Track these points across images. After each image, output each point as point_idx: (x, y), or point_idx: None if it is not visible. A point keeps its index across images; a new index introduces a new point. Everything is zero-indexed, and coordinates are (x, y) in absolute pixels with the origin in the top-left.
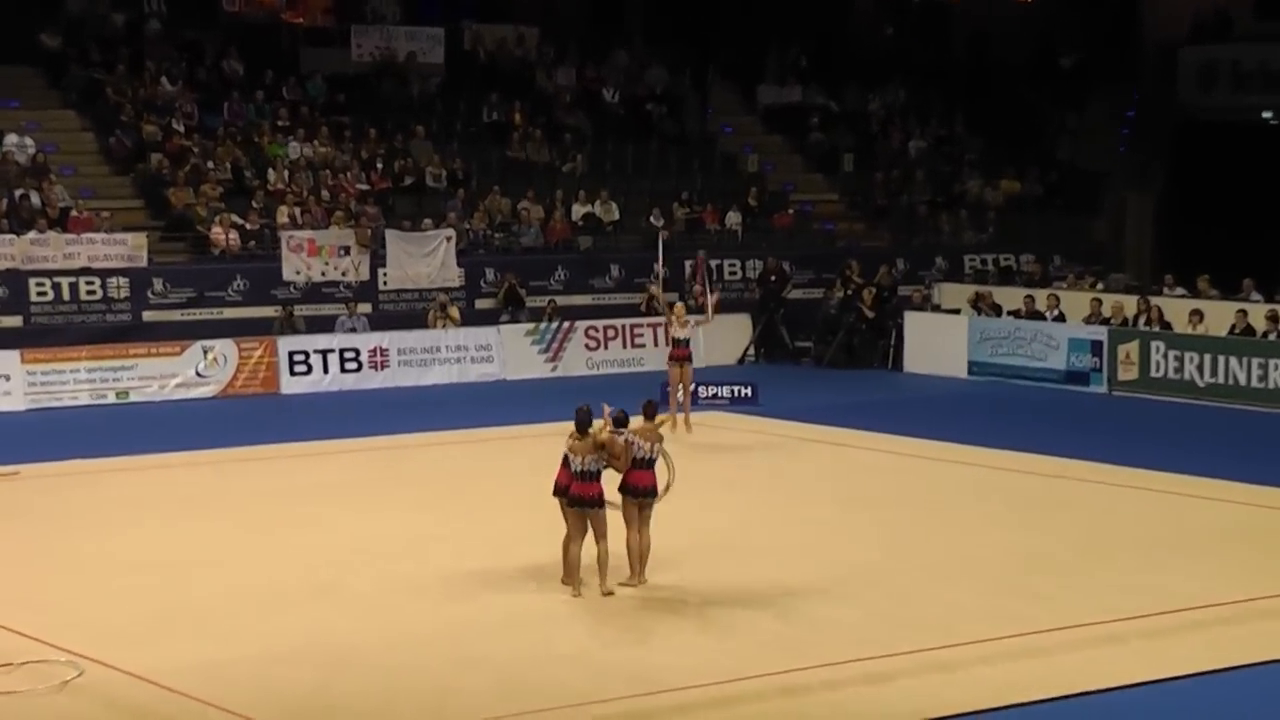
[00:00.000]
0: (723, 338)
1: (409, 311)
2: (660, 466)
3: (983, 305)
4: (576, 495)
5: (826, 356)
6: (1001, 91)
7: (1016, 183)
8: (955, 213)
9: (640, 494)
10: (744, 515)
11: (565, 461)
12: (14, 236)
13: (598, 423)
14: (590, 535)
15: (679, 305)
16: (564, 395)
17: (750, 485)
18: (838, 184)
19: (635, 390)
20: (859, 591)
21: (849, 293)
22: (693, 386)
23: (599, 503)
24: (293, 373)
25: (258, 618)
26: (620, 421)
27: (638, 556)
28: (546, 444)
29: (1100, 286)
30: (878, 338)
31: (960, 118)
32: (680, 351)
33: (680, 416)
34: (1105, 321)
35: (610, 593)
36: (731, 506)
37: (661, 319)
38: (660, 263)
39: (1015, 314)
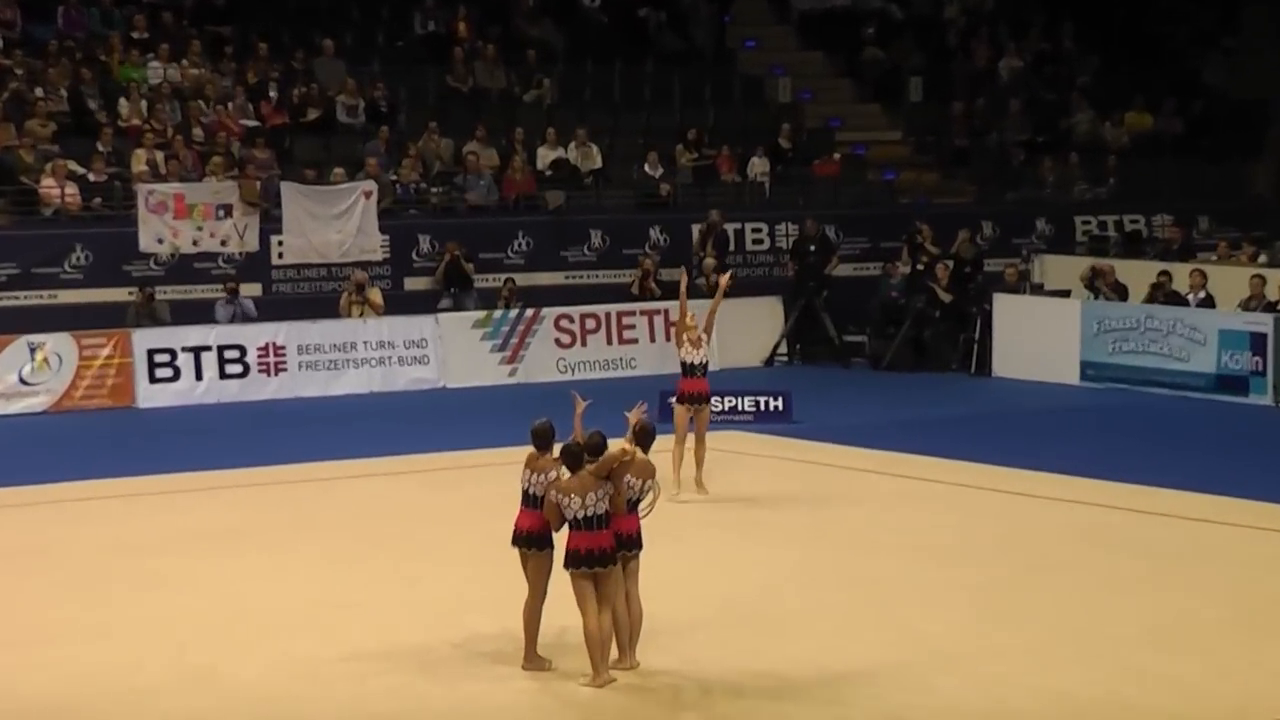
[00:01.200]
0: (744, 330)
1: (313, 295)
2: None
3: (1101, 285)
4: (583, 552)
5: (886, 356)
6: None
7: (1147, 116)
8: (1063, 158)
9: (624, 544)
10: (772, 574)
11: (527, 498)
12: None
13: (615, 445)
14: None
15: (694, 316)
16: (525, 410)
17: (781, 532)
18: (901, 118)
19: (623, 403)
20: (930, 679)
21: (917, 268)
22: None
23: (612, 557)
24: (154, 379)
25: (102, 718)
26: (596, 449)
27: (626, 631)
28: (501, 476)
29: (1263, 259)
30: (956, 330)
31: (1069, 28)
32: (692, 385)
33: (689, 475)
34: (1270, 307)
35: (611, 680)
36: (755, 561)
37: (659, 305)
38: (705, 247)
39: (1149, 297)
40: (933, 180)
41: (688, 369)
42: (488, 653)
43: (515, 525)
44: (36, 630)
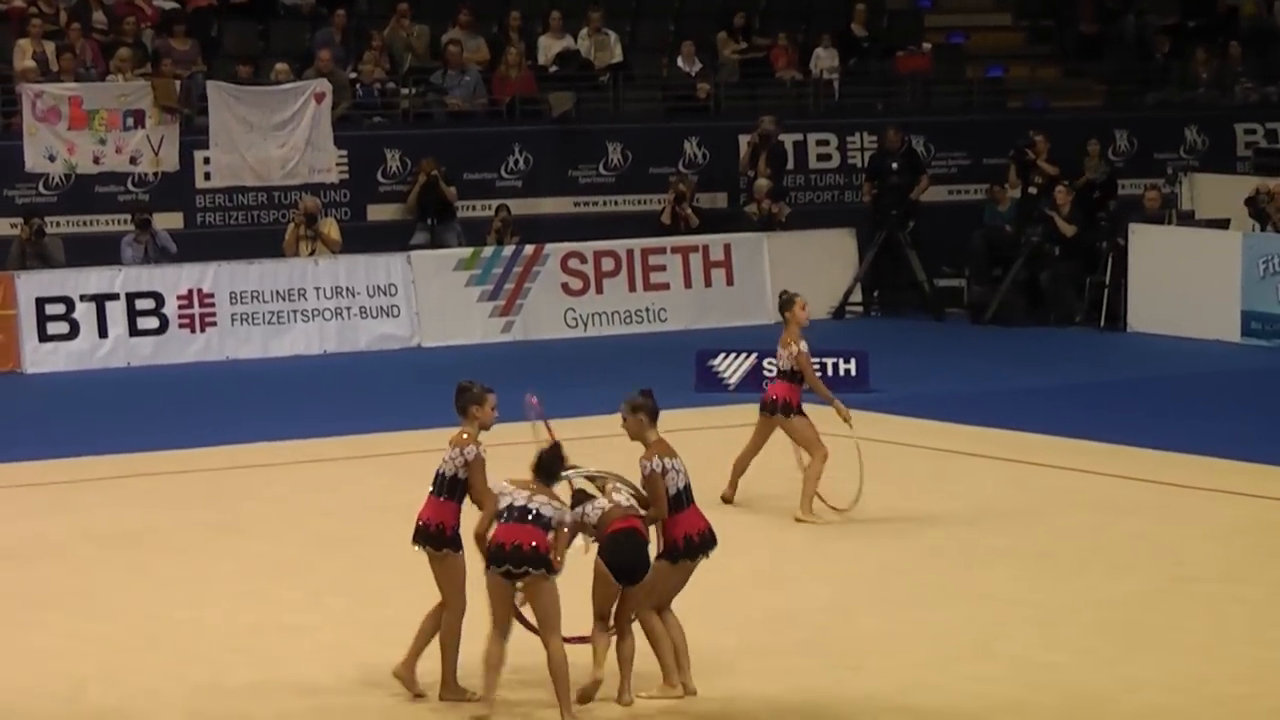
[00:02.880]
0: (808, 272)
1: (250, 228)
2: None
3: (1271, 211)
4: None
5: (992, 305)
6: None
7: None
8: (1218, 45)
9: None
10: (843, 588)
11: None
12: None
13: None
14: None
15: (801, 299)
16: (524, 376)
17: (855, 534)
18: None
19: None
20: None
21: (1030, 192)
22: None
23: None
24: (44, 336)
25: None
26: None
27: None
28: (491, 461)
29: None
30: (1081, 272)
31: None
32: (780, 391)
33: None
34: None
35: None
36: (821, 572)
37: (696, 240)
38: (756, 165)
39: None
40: (1051, 77)
41: (780, 376)
42: (471, 685)
43: (491, 538)
44: None
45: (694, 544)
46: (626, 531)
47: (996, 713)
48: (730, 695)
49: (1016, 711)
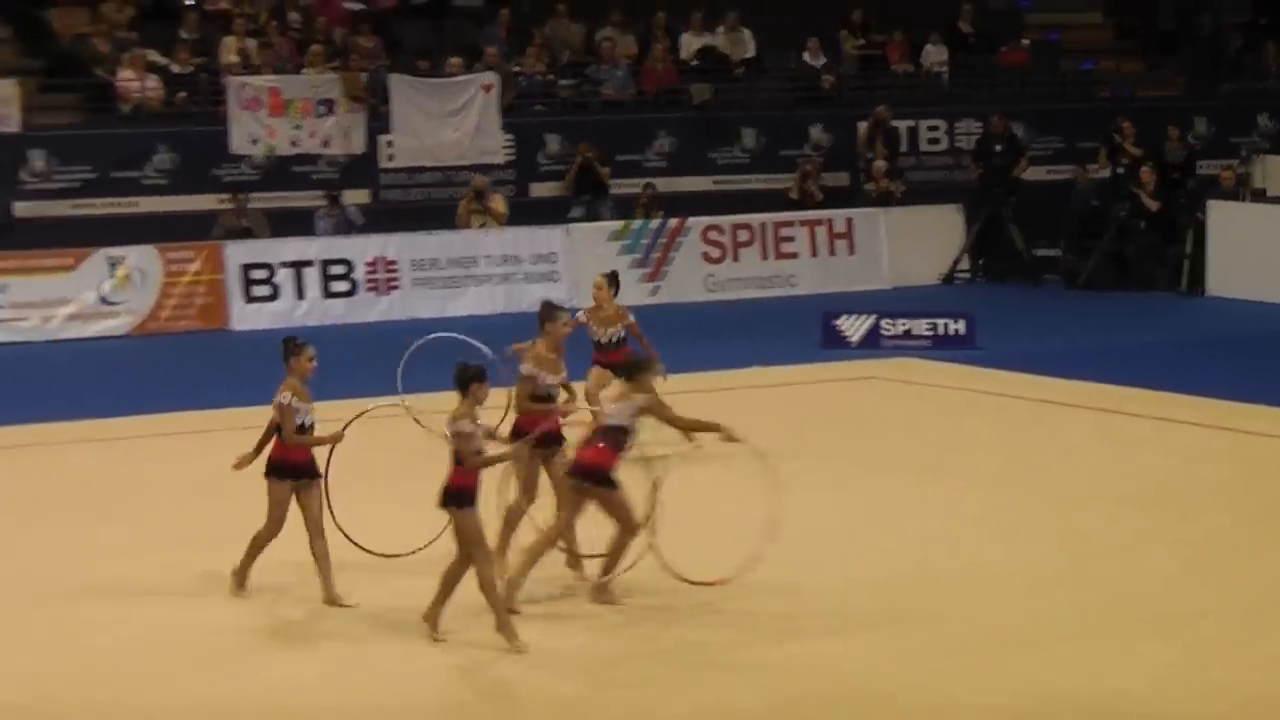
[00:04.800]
0: (920, 242)
1: (427, 203)
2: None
3: None
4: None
5: (1083, 273)
6: None
7: None
8: None
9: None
10: (947, 524)
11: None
12: None
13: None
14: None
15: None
16: (669, 334)
17: (963, 476)
18: None
19: (777, 326)
20: (1133, 644)
21: (1118, 172)
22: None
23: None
24: (249, 297)
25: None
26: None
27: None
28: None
29: None
30: (1165, 243)
31: None
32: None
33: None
34: None
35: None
36: (929, 510)
37: (822, 214)
38: (874, 147)
39: None
40: (1136, 69)
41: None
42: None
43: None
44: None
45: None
46: None
47: (1079, 632)
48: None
49: (1098, 632)
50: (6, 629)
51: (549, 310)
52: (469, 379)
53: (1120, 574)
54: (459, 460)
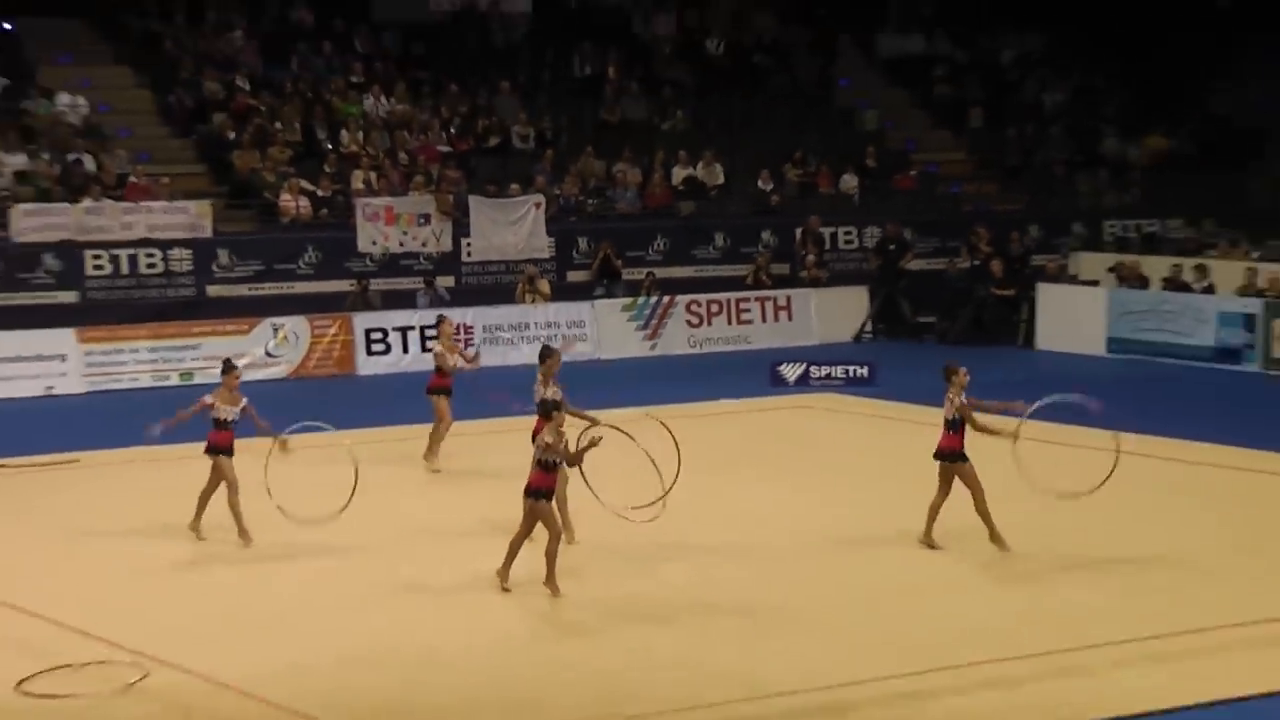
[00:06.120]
0: (838, 312)
1: (494, 285)
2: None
3: (1125, 275)
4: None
5: (952, 333)
6: (1148, 38)
7: (1164, 140)
8: (1095, 173)
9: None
10: (861, 507)
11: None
12: (68, 205)
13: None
14: None
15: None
16: (665, 375)
17: (868, 473)
18: (965, 142)
19: (738, 371)
20: (986, 588)
21: (977, 262)
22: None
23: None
24: (370, 352)
25: (332, 618)
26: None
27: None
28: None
29: (1256, 255)
30: (1008, 312)
31: (1101, 68)
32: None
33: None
34: (1261, 293)
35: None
36: (847, 499)
37: (770, 293)
38: (806, 246)
39: (1166, 284)
40: (990, 192)
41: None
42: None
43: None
44: (290, 547)
45: None
46: None
47: (955, 581)
48: (786, 579)
49: (964, 582)
50: (350, 599)
51: (546, 350)
52: (548, 410)
53: (970, 544)
54: (541, 466)
